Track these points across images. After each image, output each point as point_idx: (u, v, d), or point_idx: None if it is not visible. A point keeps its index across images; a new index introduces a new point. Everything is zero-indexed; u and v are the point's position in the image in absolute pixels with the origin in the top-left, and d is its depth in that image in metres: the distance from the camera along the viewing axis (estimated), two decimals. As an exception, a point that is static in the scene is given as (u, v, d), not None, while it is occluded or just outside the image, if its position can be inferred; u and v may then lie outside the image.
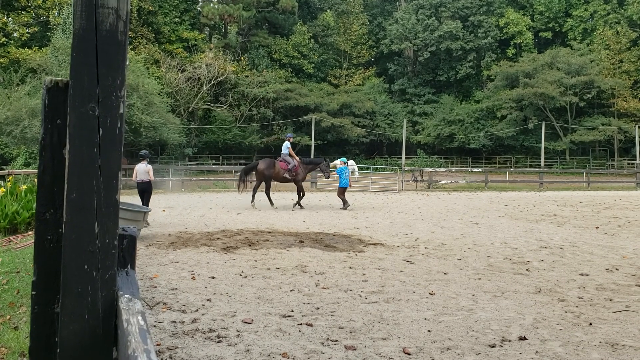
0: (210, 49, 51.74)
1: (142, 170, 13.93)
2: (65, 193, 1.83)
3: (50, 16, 44.97)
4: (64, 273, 1.83)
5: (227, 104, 50.92)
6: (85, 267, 1.84)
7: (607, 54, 55.42)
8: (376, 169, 42.68)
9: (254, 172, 18.90)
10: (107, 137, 1.81)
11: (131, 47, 45.16)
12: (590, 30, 58.62)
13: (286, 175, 18.70)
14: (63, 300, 1.84)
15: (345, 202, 18.53)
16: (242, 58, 54.76)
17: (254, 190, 18.97)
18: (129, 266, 2.04)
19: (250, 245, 10.48)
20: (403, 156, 36.55)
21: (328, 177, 19.29)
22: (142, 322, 1.54)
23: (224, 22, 56.95)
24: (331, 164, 20.17)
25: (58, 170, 1.93)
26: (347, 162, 18.97)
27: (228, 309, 6.21)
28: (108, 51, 1.77)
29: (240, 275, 7.97)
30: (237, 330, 5.43)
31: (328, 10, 63.37)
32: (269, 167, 18.71)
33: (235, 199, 22.68)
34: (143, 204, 13.51)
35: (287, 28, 60.37)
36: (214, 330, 5.42)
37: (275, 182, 19.88)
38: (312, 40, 60.29)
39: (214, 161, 49.05)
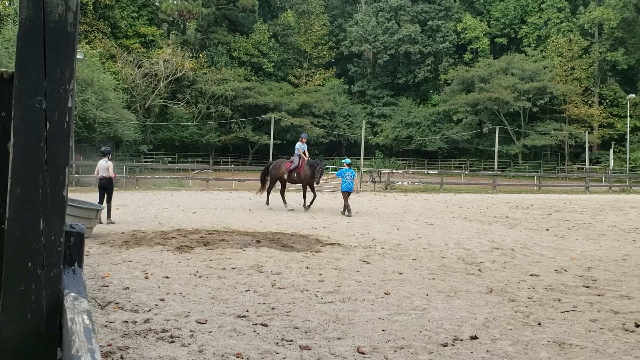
0: (168, 45, 50.97)
1: (103, 166, 13.96)
2: (9, 188, 1.77)
3: (1, 6, 43.45)
4: (6, 271, 1.77)
5: (184, 101, 50.23)
6: (29, 264, 1.77)
7: (560, 61, 57.11)
8: (335, 170, 42.87)
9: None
10: (55, 131, 1.75)
11: (86, 41, 44.03)
12: (544, 38, 60.28)
13: (285, 175, 18.38)
14: (4, 299, 1.77)
15: (346, 208, 17.04)
16: (200, 55, 54.11)
17: (267, 191, 18.96)
18: (76, 264, 1.98)
19: (205, 245, 10.36)
20: (362, 157, 36.82)
21: (317, 183, 18.13)
22: (87, 321, 1.50)
23: (183, 19, 56.18)
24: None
25: (1, 165, 1.86)
26: (349, 165, 17.66)
27: (182, 309, 6.13)
28: (56, 43, 1.71)
29: (195, 275, 7.87)
30: (191, 331, 5.36)
31: (289, 10, 63.27)
32: (275, 167, 18.75)
33: (191, 198, 22.42)
34: (101, 201, 13.43)
35: (247, 26, 59.98)
36: (167, 331, 5.34)
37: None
38: (272, 39, 60.05)
39: (170, 159, 48.29)
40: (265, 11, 64.90)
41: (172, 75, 47.84)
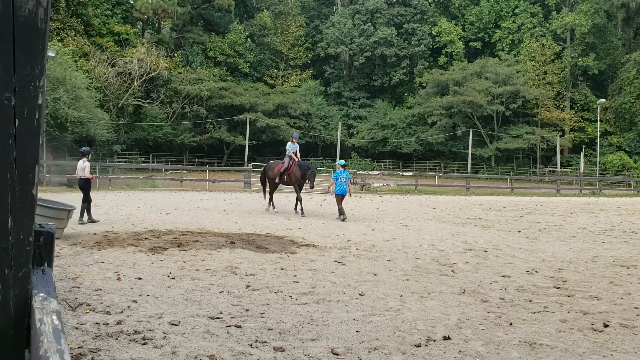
0: (143, 44, 50.41)
1: (80, 166, 14.09)
2: (-24, 187, 1.72)
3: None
4: (-27, 271, 1.73)
5: (158, 100, 49.72)
6: (-3, 264, 1.73)
7: (533, 66, 58.04)
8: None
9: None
10: (24, 128, 1.72)
11: (58, 38, 43.29)
12: (517, 42, 61.20)
13: (277, 179, 17.90)
14: (-30, 300, 1.73)
15: (341, 212, 16.04)
16: (175, 54, 53.64)
17: (267, 193, 18.46)
18: (45, 264, 1.95)
19: (179, 246, 10.26)
20: (338, 159, 36.88)
21: (312, 187, 17.47)
22: (56, 322, 1.47)
23: (158, 17, 55.66)
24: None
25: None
26: (344, 166, 16.60)
27: (155, 310, 6.06)
28: (26, 38, 1.68)
29: (168, 276, 7.80)
30: (164, 332, 5.30)
31: (265, 10, 63.14)
32: (270, 168, 18.36)
33: (164, 198, 22.20)
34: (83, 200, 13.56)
35: (223, 26, 59.69)
36: (139, 332, 5.27)
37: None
38: (248, 39, 59.84)
39: (143, 159, 47.75)
40: (241, 11, 64.67)
41: (147, 75, 47.34)
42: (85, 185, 13.79)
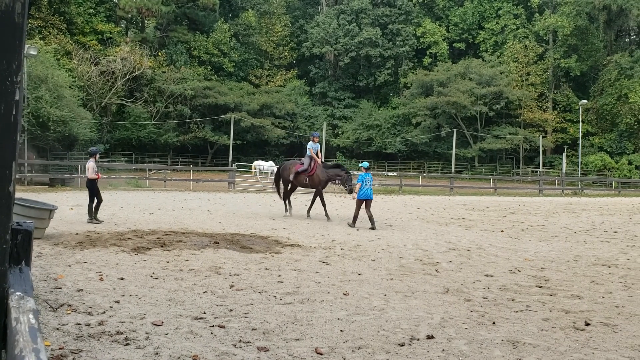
0: (126, 43, 49.98)
1: (86, 167, 14.29)
2: (-49, 184, 1.69)
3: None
4: (-52, 269, 1.69)
5: (142, 99, 49.32)
6: (-27, 263, 1.70)
7: (516, 67, 58.56)
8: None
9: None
10: (0, 124, 1.69)
11: (40, 36, 42.76)
12: (500, 43, 61.70)
13: (291, 177, 16.63)
14: (-55, 299, 1.69)
15: (356, 220, 14.59)
16: (159, 53, 53.29)
17: (282, 196, 17.38)
18: (23, 263, 1.91)
19: (162, 246, 10.19)
20: (323, 159, 36.83)
21: (350, 192, 15.68)
22: (32, 321, 1.44)
23: (142, 16, 55.24)
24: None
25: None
26: (367, 169, 14.92)
27: (137, 311, 6.01)
28: (3, 33, 1.65)
29: (151, 276, 7.73)
30: (147, 333, 5.26)
31: (250, 10, 62.97)
32: (285, 168, 17.22)
33: (148, 198, 22.05)
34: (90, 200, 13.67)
35: (207, 25, 59.43)
36: (121, 333, 5.22)
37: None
38: (233, 38, 59.65)
39: (126, 158, 47.35)
40: (226, 10, 64.45)
41: (130, 74, 46.97)
42: (88, 185, 13.90)
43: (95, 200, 13.65)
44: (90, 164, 13.95)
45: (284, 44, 65.04)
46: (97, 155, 14.32)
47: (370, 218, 14.26)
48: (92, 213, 13.45)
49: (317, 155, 16.53)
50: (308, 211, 16.66)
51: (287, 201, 17.05)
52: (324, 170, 16.21)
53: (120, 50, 47.54)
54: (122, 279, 7.52)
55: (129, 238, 10.94)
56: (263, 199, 24.46)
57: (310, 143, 16.67)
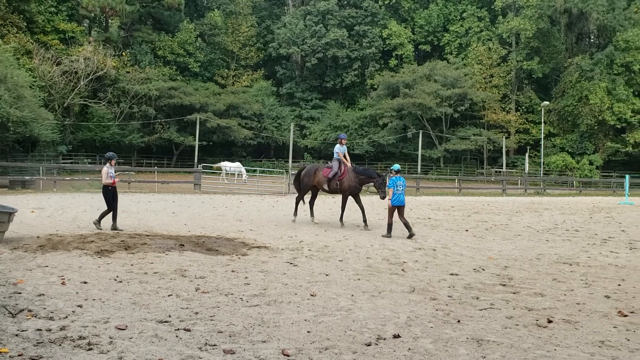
0: (90, 42, 48.98)
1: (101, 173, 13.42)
2: None
3: None
4: None
5: (106, 100, 48.45)
6: None
7: (480, 69, 59.47)
8: (263, 172, 42.66)
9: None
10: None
11: (-1, 34, 41.66)
12: (465, 46, 62.59)
13: (325, 186, 15.58)
14: None
15: (391, 229, 13.49)
16: (123, 53, 52.40)
17: (297, 201, 16.30)
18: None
19: (126, 249, 10.02)
20: (290, 159, 36.91)
21: (384, 198, 14.40)
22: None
23: (105, 15, 54.22)
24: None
25: None
26: (398, 172, 13.65)
27: (101, 315, 5.90)
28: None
29: (115, 279, 7.60)
30: (110, 337, 5.17)
31: (216, 10, 62.50)
32: (309, 173, 16.03)
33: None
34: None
35: (172, 25, 58.75)
36: (84, 338, 5.12)
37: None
38: (198, 38, 59.10)
39: (90, 160, 46.45)
40: (191, 10, 63.83)
41: (93, 74, 46.10)
42: (103, 191, 13.15)
43: (111, 207, 12.97)
44: (104, 169, 13.16)
45: (250, 44, 64.74)
46: (114, 161, 13.37)
47: (406, 224, 13.26)
48: (100, 219, 12.82)
49: (345, 158, 15.79)
50: (341, 219, 15.61)
51: (310, 208, 16.25)
52: (354, 174, 15.33)
53: (83, 49, 46.58)
54: (85, 282, 7.38)
55: (92, 241, 10.73)
56: (230, 200, 24.29)
57: (337, 146, 15.85)
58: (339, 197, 17.32)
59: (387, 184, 13.72)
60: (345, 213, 15.84)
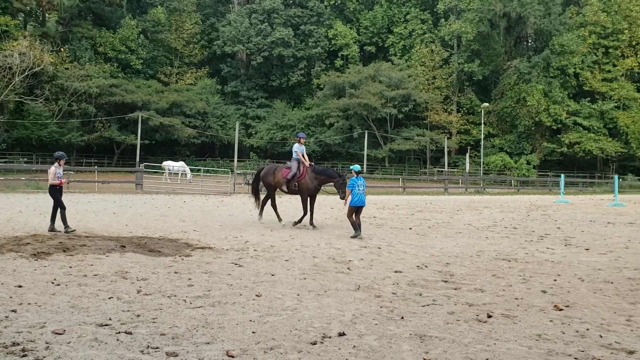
0: (25, 37, 47.11)
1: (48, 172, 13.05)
2: None
3: None
4: None
5: (43, 97, 46.72)
6: None
7: (423, 70, 60.68)
8: (207, 171, 42.12)
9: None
10: None
11: None
12: (409, 47, 63.71)
13: (284, 187, 15.21)
14: None
15: (355, 228, 13.12)
16: (62, 49, 50.70)
17: (260, 201, 15.92)
18: None
19: (64, 251, 9.68)
20: (235, 159, 36.61)
21: (343, 199, 13.91)
22: None
23: (42, 9, 52.33)
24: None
25: None
26: (359, 173, 13.42)
27: (37, 319, 5.67)
28: None
29: (52, 283, 7.33)
30: (47, 342, 4.97)
31: (159, 6, 61.28)
32: (269, 173, 15.62)
33: (49, 201, 20.88)
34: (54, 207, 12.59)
35: (114, 21, 57.24)
36: (18, 344, 4.90)
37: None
38: (141, 35, 57.81)
39: (26, 159, 44.71)
40: (134, 6, 62.40)
41: (29, 70, 44.38)
42: (50, 192, 12.71)
43: (58, 208, 12.54)
44: (51, 169, 12.73)
45: (194, 41, 63.82)
46: (63, 161, 12.96)
47: (359, 225, 13.12)
48: (65, 221, 12.32)
49: (303, 157, 15.29)
50: (311, 222, 14.94)
51: (261, 208, 15.95)
52: (313, 174, 14.90)
53: (18, 44, 44.77)
54: (20, 286, 7.08)
55: (28, 243, 10.32)
56: (172, 200, 23.86)
57: (296, 145, 15.37)
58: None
59: (347, 184, 13.52)
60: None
